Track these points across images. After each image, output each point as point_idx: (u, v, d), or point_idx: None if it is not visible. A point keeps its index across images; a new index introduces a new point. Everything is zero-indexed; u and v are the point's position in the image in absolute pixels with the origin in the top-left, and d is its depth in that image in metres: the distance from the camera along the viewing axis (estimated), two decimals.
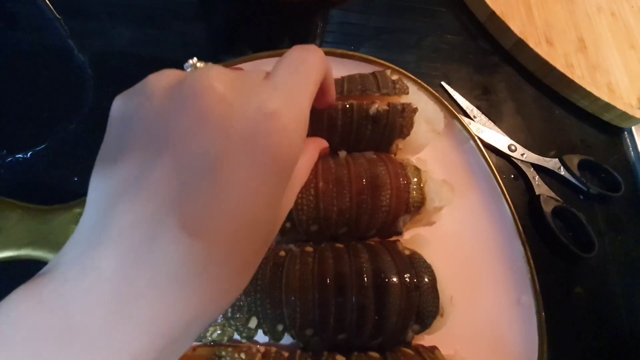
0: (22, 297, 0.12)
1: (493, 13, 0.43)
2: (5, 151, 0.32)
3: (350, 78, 0.29)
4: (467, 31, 0.45)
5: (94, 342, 0.12)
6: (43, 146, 0.33)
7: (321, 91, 0.21)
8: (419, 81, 0.35)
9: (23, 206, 0.25)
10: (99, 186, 0.14)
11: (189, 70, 0.17)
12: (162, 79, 0.15)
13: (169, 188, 0.13)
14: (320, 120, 0.28)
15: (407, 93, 0.29)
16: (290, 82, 0.16)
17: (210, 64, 0.17)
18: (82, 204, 0.27)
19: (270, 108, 0.15)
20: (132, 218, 0.13)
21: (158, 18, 0.42)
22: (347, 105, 0.27)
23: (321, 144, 0.26)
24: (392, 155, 0.30)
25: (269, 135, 0.14)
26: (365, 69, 0.36)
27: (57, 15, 0.40)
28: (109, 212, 0.13)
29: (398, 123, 0.28)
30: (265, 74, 0.17)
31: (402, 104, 0.28)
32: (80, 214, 0.26)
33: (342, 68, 0.36)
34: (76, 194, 0.28)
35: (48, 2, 0.41)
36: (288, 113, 0.15)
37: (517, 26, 0.43)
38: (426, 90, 0.35)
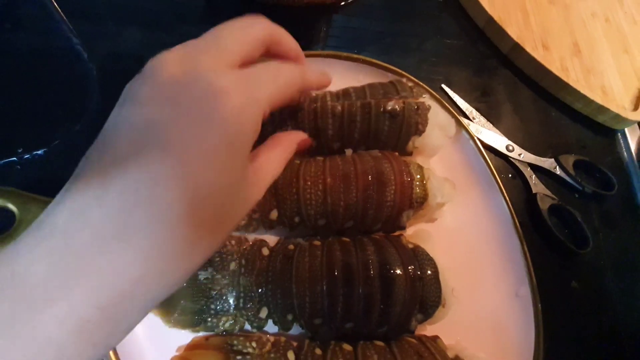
0: None
1: (491, 18, 0.45)
2: (21, 149, 0.34)
3: (371, 86, 0.33)
4: (466, 35, 0.47)
5: (32, 291, 0.13)
6: (56, 142, 0.34)
7: (281, 52, 0.22)
8: (423, 85, 0.36)
9: (43, 199, 0.26)
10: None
11: None
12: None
13: (124, 151, 0.15)
14: (341, 117, 0.30)
15: (423, 96, 0.32)
16: (251, 72, 0.19)
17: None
18: None
19: (217, 85, 0.16)
20: (89, 175, 0.15)
21: (164, 21, 0.43)
22: (366, 102, 0.30)
23: (297, 136, 0.26)
24: (396, 154, 0.31)
25: (214, 107, 0.16)
26: (370, 71, 0.37)
27: (64, 18, 0.42)
28: (77, 172, 0.15)
29: (414, 120, 0.30)
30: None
31: (417, 102, 0.30)
32: None
33: (346, 71, 0.37)
34: None
35: (55, 4, 0.42)
36: (237, 92, 0.17)
37: (514, 31, 0.45)
38: (430, 94, 0.36)
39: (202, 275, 0.27)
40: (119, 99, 0.17)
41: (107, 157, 0.15)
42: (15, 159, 0.33)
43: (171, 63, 0.17)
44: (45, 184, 0.32)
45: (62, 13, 0.42)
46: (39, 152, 0.34)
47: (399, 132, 0.30)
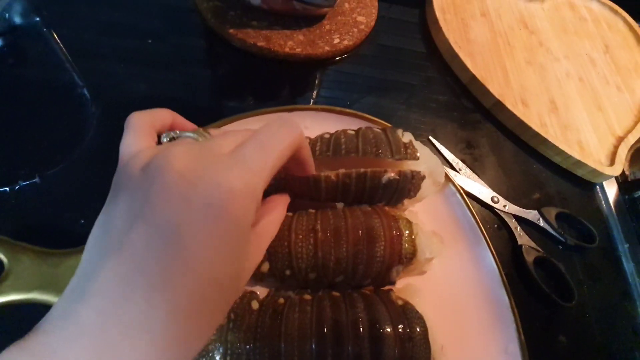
0: (16, 350, 0.14)
1: (474, 76, 0.48)
2: (19, 178, 0.34)
3: (364, 136, 0.31)
4: (451, 90, 0.50)
5: None
6: (53, 170, 0.34)
7: (297, 162, 0.24)
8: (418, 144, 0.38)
9: (34, 249, 0.26)
10: (90, 243, 0.17)
11: (165, 141, 0.21)
12: (140, 157, 0.19)
13: (142, 251, 0.16)
14: (335, 185, 0.30)
15: (418, 159, 0.31)
16: (251, 159, 0.19)
17: (182, 138, 0.20)
18: None
19: (225, 185, 0.17)
20: (111, 276, 0.15)
21: (165, 61, 0.45)
22: (362, 172, 0.30)
23: (287, 200, 0.28)
24: (385, 208, 0.32)
25: (223, 206, 0.17)
26: (362, 123, 0.39)
27: (67, 54, 0.43)
28: (94, 269, 0.16)
29: (407, 188, 0.31)
30: (233, 147, 0.19)
31: (412, 172, 0.30)
32: None
33: (340, 122, 0.39)
34: (83, 238, 0.29)
35: (59, 41, 0.44)
36: (242, 187, 0.18)
37: (495, 89, 0.48)
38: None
39: None
40: (113, 190, 0.18)
41: (127, 263, 0.16)
42: (8, 188, 0.34)
43: (179, 162, 0.17)
44: (41, 210, 0.33)
45: (64, 50, 0.43)
46: (35, 179, 0.34)
47: (391, 197, 0.32)
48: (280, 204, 0.26)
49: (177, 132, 0.22)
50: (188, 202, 0.16)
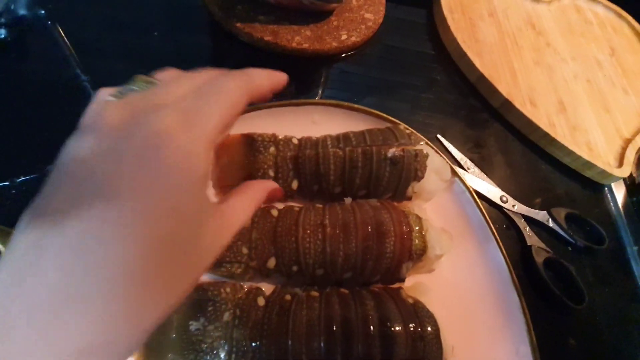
0: None
1: (482, 75, 0.48)
2: (19, 175, 0.33)
3: (370, 131, 0.34)
4: (458, 90, 0.50)
5: None
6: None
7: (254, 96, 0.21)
8: (420, 135, 0.38)
9: None
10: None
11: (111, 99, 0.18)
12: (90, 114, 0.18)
13: (64, 207, 0.14)
14: (343, 162, 0.31)
15: (420, 143, 0.33)
16: (191, 106, 0.17)
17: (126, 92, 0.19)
18: None
19: (159, 127, 0.16)
20: (21, 245, 0.14)
21: (169, 61, 0.44)
22: (367, 148, 0.31)
23: (268, 185, 0.25)
24: (395, 204, 0.31)
25: (157, 150, 0.15)
26: (369, 119, 0.38)
27: (72, 49, 0.43)
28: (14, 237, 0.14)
29: (413, 167, 0.31)
30: (175, 98, 0.18)
31: (415, 150, 0.31)
32: None
33: (347, 117, 0.38)
34: None
35: (64, 36, 0.43)
36: (181, 131, 0.16)
37: (503, 88, 0.47)
38: (425, 142, 0.38)
39: (193, 326, 0.25)
40: (59, 156, 0.16)
41: (47, 215, 0.14)
42: (8, 183, 0.33)
43: (110, 112, 0.16)
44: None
45: (69, 43, 0.43)
46: (34, 176, 0.33)
47: (399, 178, 0.31)
48: (254, 188, 0.23)
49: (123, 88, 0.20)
50: (119, 153, 0.15)
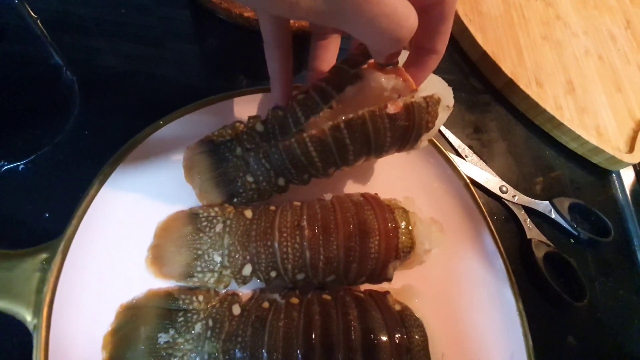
0: None
1: (485, 53, 0.44)
2: (2, 162, 0.31)
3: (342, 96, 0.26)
4: (459, 69, 0.46)
5: None
6: (37, 154, 0.31)
7: None
8: None
9: (6, 254, 0.23)
10: None
11: None
12: None
13: None
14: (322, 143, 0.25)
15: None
16: None
17: None
18: (50, 249, 0.25)
19: None
20: None
21: (151, 36, 0.41)
22: (358, 114, 0.24)
23: None
24: (378, 197, 0.28)
25: None
26: None
27: (43, 30, 0.39)
28: None
29: (424, 120, 0.26)
30: None
31: (425, 99, 0.25)
32: (47, 260, 0.24)
33: None
34: (46, 233, 0.26)
35: (33, 14, 0.39)
36: None
37: (507, 67, 0.43)
38: None
39: (162, 338, 0.24)
40: None
41: None
42: None
43: None
44: (26, 195, 0.30)
45: (41, 25, 0.39)
46: (20, 163, 0.31)
47: (406, 136, 0.26)
48: None
49: None
50: None
